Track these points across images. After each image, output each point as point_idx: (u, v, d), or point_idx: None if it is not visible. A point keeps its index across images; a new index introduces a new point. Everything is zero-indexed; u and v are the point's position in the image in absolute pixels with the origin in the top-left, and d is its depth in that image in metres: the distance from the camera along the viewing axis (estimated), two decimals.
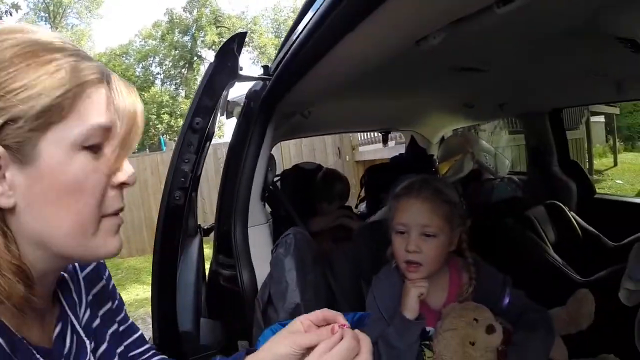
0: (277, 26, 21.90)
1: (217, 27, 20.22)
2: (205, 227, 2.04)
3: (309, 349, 0.67)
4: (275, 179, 2.29)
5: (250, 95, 1.68)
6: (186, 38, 21.21)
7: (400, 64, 1.41)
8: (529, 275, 2.03)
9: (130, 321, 0.85)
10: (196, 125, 1.44)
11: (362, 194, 2.96)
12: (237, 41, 1.43)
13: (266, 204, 1.87)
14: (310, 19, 0.93)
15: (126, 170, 0.62)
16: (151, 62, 21.57)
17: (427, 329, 1.26)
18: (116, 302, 0.82)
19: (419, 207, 1.26)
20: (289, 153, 7.77)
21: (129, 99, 0.61)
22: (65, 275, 0.72)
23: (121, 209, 0.64)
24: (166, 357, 0.88)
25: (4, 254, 0.55)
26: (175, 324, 1.48)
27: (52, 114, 0.54)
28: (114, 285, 0.83)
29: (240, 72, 1.45)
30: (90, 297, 0.76)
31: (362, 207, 2.98)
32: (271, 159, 1.82)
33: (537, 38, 1.37)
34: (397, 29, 0.86)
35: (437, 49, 1.01)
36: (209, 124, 1.47)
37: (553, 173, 2.67)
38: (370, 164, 3.43)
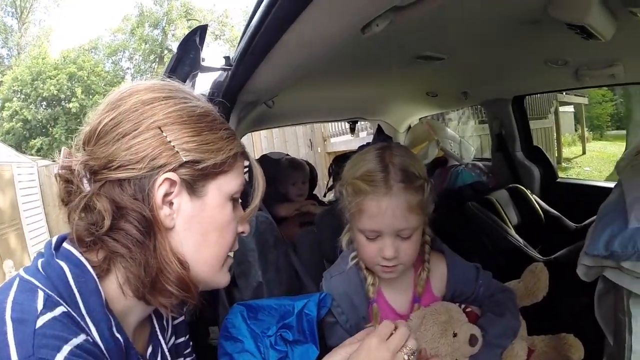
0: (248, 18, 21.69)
1: (188, 20, 19.95)
2: None
3: None
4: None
5: (214, 87, 1.68)
6: (156, 32, 20.87)
7: (356, 53, 1.43)
8: (491, 255, 2.11)
9: (193, 356, 0.97)
10: None
11: (331, 182, 2.98)
12: (199, 33, 1.44)
13: None
14: (261, 6, 0.95)
15: (246, 224, 0.81)
16: (121, 56, 21.14)
17: None
18: (187, 336, 0.95)
19: (391, 208, 1.02)
20: (261, 145, 7.79)
21: (258, 168, 0.81)
22: None
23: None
24: None
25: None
26: None
27: (223, 167, 0.71)
28: (186, 322, 0.96)
29: (203, 64, 1.46)
30: (174, 326, 0.90)
31: (331, 195, 3.00)
32: None
33: (491, 27, 1.40)
34: (340, 15, 0.88)
35: (390, 37, 1.04)
36: None
37: (516, 158, 2.73)
38: None
